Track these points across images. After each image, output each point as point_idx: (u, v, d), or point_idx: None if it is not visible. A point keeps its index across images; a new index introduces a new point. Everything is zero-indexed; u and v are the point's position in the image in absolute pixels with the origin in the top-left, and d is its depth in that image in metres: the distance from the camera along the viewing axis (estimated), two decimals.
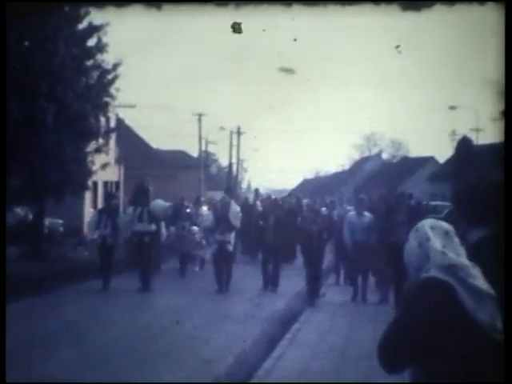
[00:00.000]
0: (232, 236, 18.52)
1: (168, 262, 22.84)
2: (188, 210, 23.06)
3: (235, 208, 18.57)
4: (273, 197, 28.66)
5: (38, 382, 8.22)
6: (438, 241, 3.66)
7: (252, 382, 8.49)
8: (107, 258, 18.22)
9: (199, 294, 17.86)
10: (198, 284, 19.45)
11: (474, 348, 3.45)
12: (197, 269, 22.11)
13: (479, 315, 3.45)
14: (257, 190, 34.82)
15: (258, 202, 28.35)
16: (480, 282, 3.51)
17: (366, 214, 16.90)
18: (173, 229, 22.11)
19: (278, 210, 20.61)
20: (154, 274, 18.95)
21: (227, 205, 18.37)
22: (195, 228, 21.95)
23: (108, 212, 18.72)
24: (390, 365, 3.64)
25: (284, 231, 18.62)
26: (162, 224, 19.85)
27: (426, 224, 3.76)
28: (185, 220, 22.21)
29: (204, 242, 21.17)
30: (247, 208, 25.58)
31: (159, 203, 18.97)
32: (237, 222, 18.31)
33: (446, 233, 3.71)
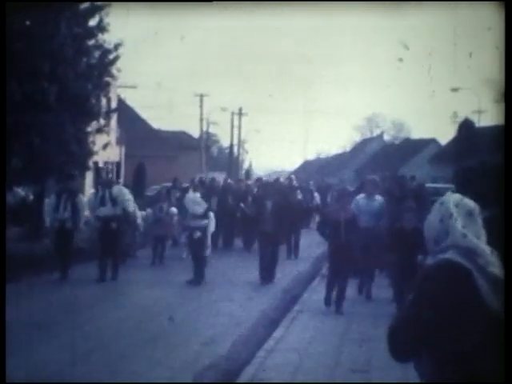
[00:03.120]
0: (203, 222, 17.09)
1: (148, 249, 21.09)
2: (177, 195, 22.47)
3: (191, 195, 17.58)
4: (264, 178, 28.08)
5: (38, 382, 8.22)
6: (459, 219, 3.59)
7: (252, 382, 8.48)
8: (65, 244, 16.97)
9: (170, 286, 16.51)
10: (170, 274, 18.25)
11: (484, 335, 3.39)
12: (184, 256, 20.44)
13: (494, 303, 3.39)
14: (248, 172, 34.23)
15: (245, 183, 27.82)
16: (497, 270, 3.45)
17: (378, 197, 15.03)
18: (150, 210, 20.99)
19: (275, 193, 18.87)
20: (121, 263, 17.75)
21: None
22: (174, 209, 20.99)
23: (68, 194, 17.30)
24: (401, 350, 3.55)
25: (283, 217, 17.30)
26: (135, 206, 18.38)
27: (451, 200, 3.68)
28: (163, 201, 21.22)
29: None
30: (229, 191, 25.11)
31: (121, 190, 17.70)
32: (194, 208, 16.98)
33: (470, 212, 3.63)
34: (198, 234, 16.98)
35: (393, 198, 15.25)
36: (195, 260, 17.05)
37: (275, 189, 19.85)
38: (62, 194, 17.34)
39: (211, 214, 18.52)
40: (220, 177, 33.25)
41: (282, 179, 31.68)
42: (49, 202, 17.95)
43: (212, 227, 18.18)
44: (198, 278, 16.70)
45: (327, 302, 13.50)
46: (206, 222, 17.13)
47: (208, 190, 22.12)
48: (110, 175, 44.47)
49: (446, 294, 3.41)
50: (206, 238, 17.21)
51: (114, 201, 17.04)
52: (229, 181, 27.50)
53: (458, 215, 3.60)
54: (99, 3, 21.04)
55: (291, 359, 9.73)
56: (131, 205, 17.59)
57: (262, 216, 17.37)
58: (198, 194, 17.51)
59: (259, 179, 29.94)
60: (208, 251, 17.71)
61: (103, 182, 17.92)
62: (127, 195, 17.50)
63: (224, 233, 24.06)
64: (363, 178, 22.33)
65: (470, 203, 3.66)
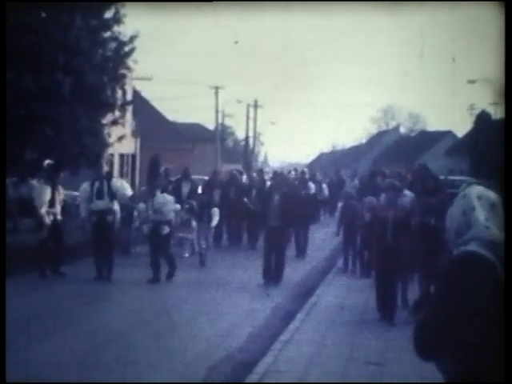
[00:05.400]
0: (171, 216, 16.03)
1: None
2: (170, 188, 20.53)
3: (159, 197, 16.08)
4: (266, 169, 26.88)
5: (38, 382, 8.22)
6: (482, 212, 3.55)
7: (252, 381, 8.46)
8: (58, 238, 16.07)
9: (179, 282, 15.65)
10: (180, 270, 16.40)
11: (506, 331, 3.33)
12: (186, 255, 19.33)
13: None
14: (248, 163, 32.60)
15: (245, 177, 26.28)
16: None
17: (407, 192, 13.53)
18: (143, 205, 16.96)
19: (284, 186, 17.52)
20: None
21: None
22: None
23: (56, 187, 16.26)
24: (429, 346, 3.46)
25: (291, 211, 16.05)
26: (131, 193, 17.18)
27: (474, 192, 3.63)
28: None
29: (193, 222, 18.95)
30: (236, 184, 23.35)
31: (123, 184, 16.77)
32: (165, 209, 15.81)
33: (493, 205, 3.59)
34: (166, 229, 15.71)
35: (424, 192, 12.89)
36: (164, 258, 15.66)
37: (282, 181, 18.07)
38: (50, 187, 16.14)
39: (215, 209, 18.42)
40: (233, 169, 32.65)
41: (292, 172, 31.16)
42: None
43: (214, 222, 17.97)
44: (170, 275, 15.65)
45: (380, 311, 11.92)
46: (172, 215, 16.20)
47: (210, 182, 21.65)
48: (126, 167, 44.65)
49: (473, 286, 3.35)
50: (172, 234, 16.30)
51: (113, 195, 16.05)
52: (233, 172, 25.95)
53: (480, 208, 3.57)
54: None
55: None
56: (129, 193, 16.66)
57: (268, 210, 16.01)
58: (166, 196, 16.45)
59: (260, 171, 28.74)
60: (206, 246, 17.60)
61: (101, 173, 16.53)
62: (127, 189, 16.67)
63: (228, 228, 22.79)
64: (373, 169, 22.13)
65: (493, 195, 3.62)
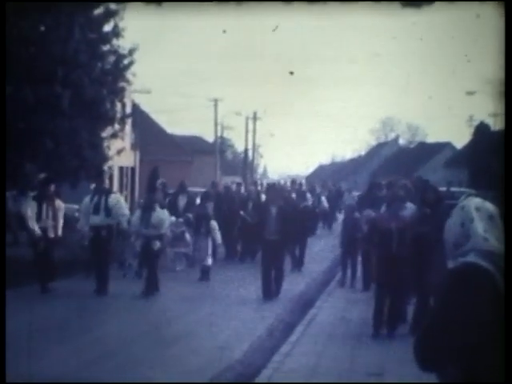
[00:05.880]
0: (165, 231, 16.07)
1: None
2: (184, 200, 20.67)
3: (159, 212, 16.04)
4: (259, 182, 26.53)
5: (38, 382, 8.20)
6: (481, 224, 3.56)
7: (253, 382, 8.46)
8: (48, 254, 15.55)
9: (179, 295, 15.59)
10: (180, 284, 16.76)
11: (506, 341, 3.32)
12: (178, 268, 19.05)
13: None
14: (244, 175, 32.08)
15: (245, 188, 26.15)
16: None
17: (408, 204, 12.83)
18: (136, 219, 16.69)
19: (281, 198, 17.14)
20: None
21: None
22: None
23: (47, 200, 15.75)
24: (430, 358, 3.45)
25: (290, 225, 15.63)
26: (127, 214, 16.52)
27: (472, 204, 3.64)
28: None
29: (187, 236, 19.03)
30: (229, 197, 23.12)
31: (119, 202, 16.21)
32: (164, 224, 15.88)
33: (491, 216, 3.59)
34: (157, 245, 15.59)
35: (424, 204, 12.22)
36: (150, 271, 15.52)
37: (278, 193, 17.43)
38: (41, 201, 15.71)
39: (214, 223, 18.03)
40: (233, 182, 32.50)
41: (288, 183, 30.99)
42: (31, 209, 15.80)
43: (218, 237, 17.81)
44: (151, 289, 15.36)
45: (375, 325, 11.59)
46: (168, 230, 16.27)
47: (207, 195, 21.03)
48: (125, 180, 44.67)
49: (472, 297, 3.36)
50: (163, 249, 16.25)
51: (109, 211, 15.71)
52: (227, 184, 25.40)
53: (479, 219, 3.58)
54: (113, 8, 21.04)
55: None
56: (125, 220, 16.10)
57: (265, 223, 15.51)
58: (165, 211, 16.41)
59: (254, 183, 28.51)
60: (210, 261, 17.39)
61: (100, 187, 16.25)
62: (123, 209, 16.19)
63: (224, 241, 21.44)
64: (372, 181, 21.99)
65: (491, 207, 3.63)
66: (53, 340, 11.00)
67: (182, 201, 21.11)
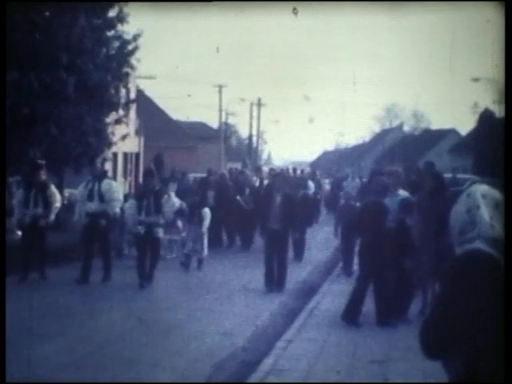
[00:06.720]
0: (168, 219, 15.69)
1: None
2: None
3: (169, 198, 15.90)
4: (248, 172, 25.81)
5: (38, 382, 8.21)
6: (487, 211, 3.53)
7: (256, 381, 8.45)
8: (39, 243, 15.02)
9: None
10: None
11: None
12: (169, 256, 18.67)
13: None
14: (243, 162, 31.45)
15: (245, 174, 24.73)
16: None
17: (401, 192, 12.38)
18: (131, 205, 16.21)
19: (286, 185, 16.43)
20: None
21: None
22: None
23: (36, 187, 15.18)
24: (436, 346, 3.45)
25: (294, 213, 15.08)
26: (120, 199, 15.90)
27: (478, 190, 3.60)
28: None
29: (180, 223, 18.42)
30: (223, 186, 22.10)
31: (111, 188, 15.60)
32: (169, 211, 15.56)
33: (497, 203, 3.56)
34: (160, 233, 15.34)
35: (426, 192, 12.13)
36: (152, 259, 15.18)
37: (283, 181, 16.66)
38: (30, 188, 15.21)
39: (207, 210, 17.43)
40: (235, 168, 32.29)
41: (291, 171, 30.74)
42: (17, 197, 15.59)
43: (206, 224, 17.06)
44: (148, 280, 14.92)
45: (345, 314, 11.40)
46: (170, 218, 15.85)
47: (204, 182, 20.84)
48: (129, 166, 44.64)
49: (478, 284, 3.34)
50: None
51: (102, 197, 15.20)
52: (222, 172, 24.86)
53: (485, 206, 3.55)
54: None
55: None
56: (117, 205, 15.48)
57: (268, 212, 14.95)
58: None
59: (258, 169, 28.08)
60: (205, 251, 17.04)
61: (94, 172, 15.69)
62: (116, 193, 15.54)
63: (227, 230, 21.86)
64: (375, 169, 21.67)
65: (497, 194, 3.60)
66: (54, 328, 11.03)
67: (172, 187, 20.68)
